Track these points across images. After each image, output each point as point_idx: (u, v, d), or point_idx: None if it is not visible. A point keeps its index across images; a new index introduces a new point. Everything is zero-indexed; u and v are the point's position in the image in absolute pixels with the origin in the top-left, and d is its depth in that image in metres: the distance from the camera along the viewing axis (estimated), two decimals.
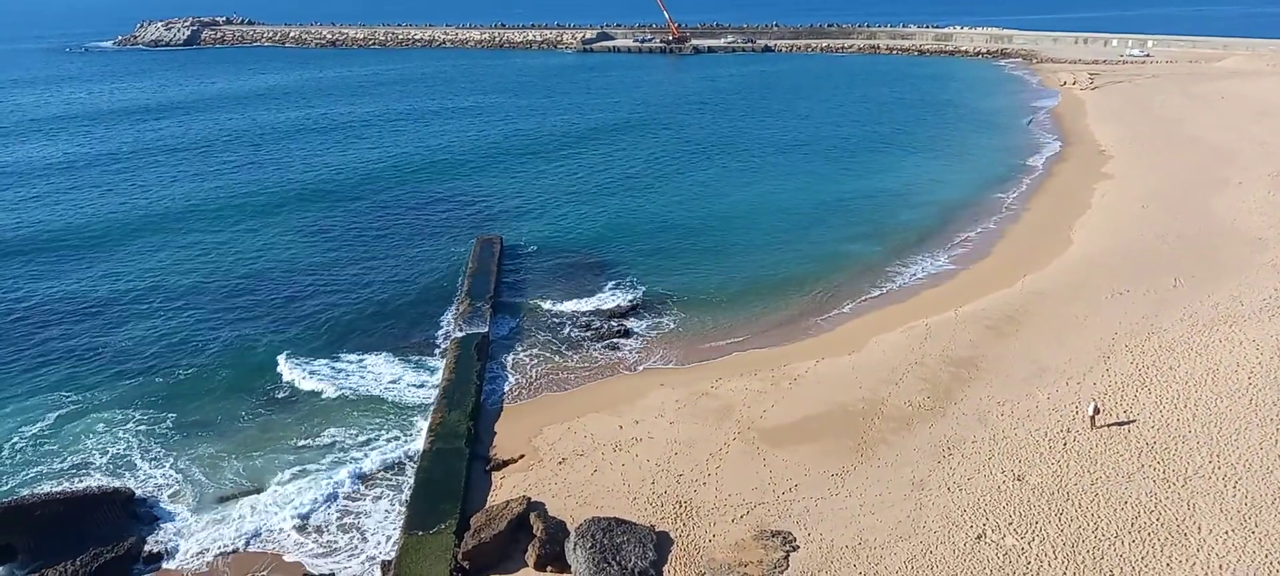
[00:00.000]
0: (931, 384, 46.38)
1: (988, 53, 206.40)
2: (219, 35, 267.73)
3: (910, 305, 58.76)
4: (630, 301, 60.04)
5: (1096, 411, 41.30)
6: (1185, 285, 57.76)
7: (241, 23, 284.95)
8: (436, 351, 53.11)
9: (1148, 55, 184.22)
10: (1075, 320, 53.38)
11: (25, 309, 59.93)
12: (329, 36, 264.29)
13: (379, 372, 50.57)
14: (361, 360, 52.07)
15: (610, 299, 60.66)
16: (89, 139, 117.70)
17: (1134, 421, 41.39)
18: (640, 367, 51.01)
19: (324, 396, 47.86)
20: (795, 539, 34.37)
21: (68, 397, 47.76)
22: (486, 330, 53.96)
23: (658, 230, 76.22)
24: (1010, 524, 34.52)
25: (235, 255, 70.12)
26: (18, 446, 43.28)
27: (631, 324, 56.50)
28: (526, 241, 73.45)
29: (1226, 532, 33.26)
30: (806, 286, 62.66)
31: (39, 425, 45.01)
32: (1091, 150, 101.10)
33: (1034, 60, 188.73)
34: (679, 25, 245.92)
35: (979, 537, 33.88)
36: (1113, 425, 41.15)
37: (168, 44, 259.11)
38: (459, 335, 52.94)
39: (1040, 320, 53.76)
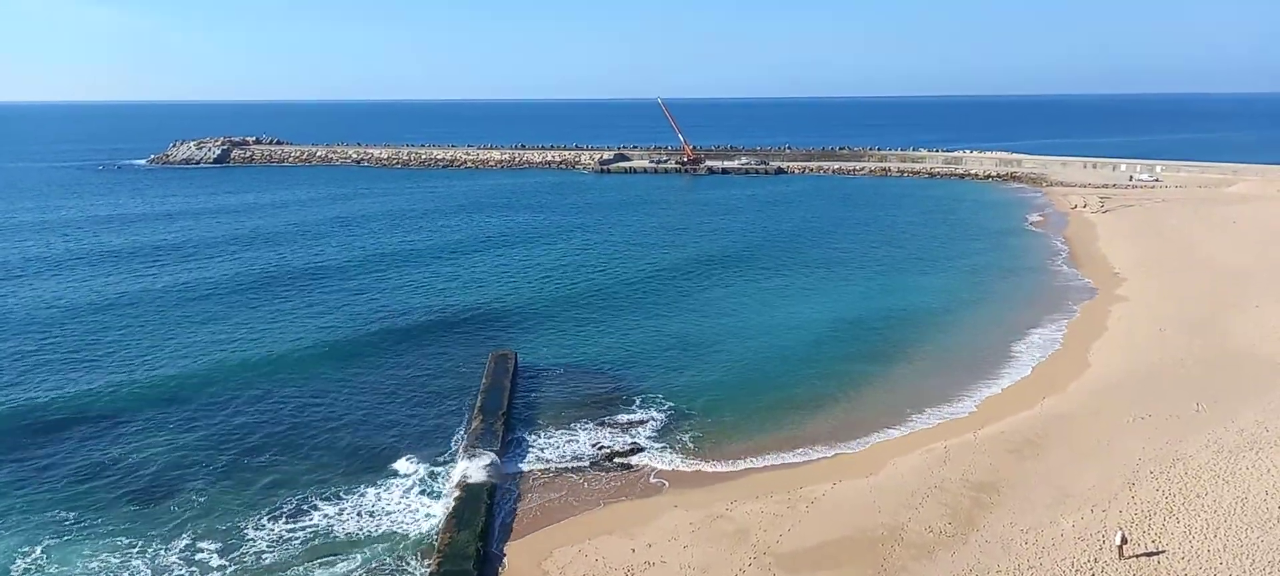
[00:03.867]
0: (952, 509, 45.24)
1: (997, 176, 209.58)
2: (248, 154, 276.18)
3: (927, 426, 57.98)
4: (644, 419, 59.55)
5: (1124, 541, 40.00)
6: (1208, 410, 56.79)
7: (271, 142, 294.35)
8: (447, 469, 52.45)
9: (1157, 180, 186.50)
10: (1097, 444, 52.36)
11: (35, 423, 59.90)
12: (354, 156, 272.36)
13: (388, 490, 49.85)
14: (371, 477, 51.45)
15: (624, 416, 60.18)
16: (114, 261, 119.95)
17: (1164, 552, 40.01)
18: (653, 487, 50.09)
19: (332, 514, 47.12)
20: None
21: (67, 517, 47.01)
22: (498, 448, 53.39)
23: (672, 347, 76.20)
24: None
25: (246, 372, 70.11)
26: (15, 567, 42.41)
27: (645, 442, 55.84)
28: (541, 357, 73.50)
29: None
30: (822, 405, 62.04)
31: (38, 545, 44.06)
32: (1105, 273, 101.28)
33: (1043, 183, 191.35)
34: (693, 147, 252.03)
35: None
36: (1141, 556, 39.77)
37: (199, 162, 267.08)
38: (470, 452, 52.38)
39: (1062, 444, 52.77)
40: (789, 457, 53.74)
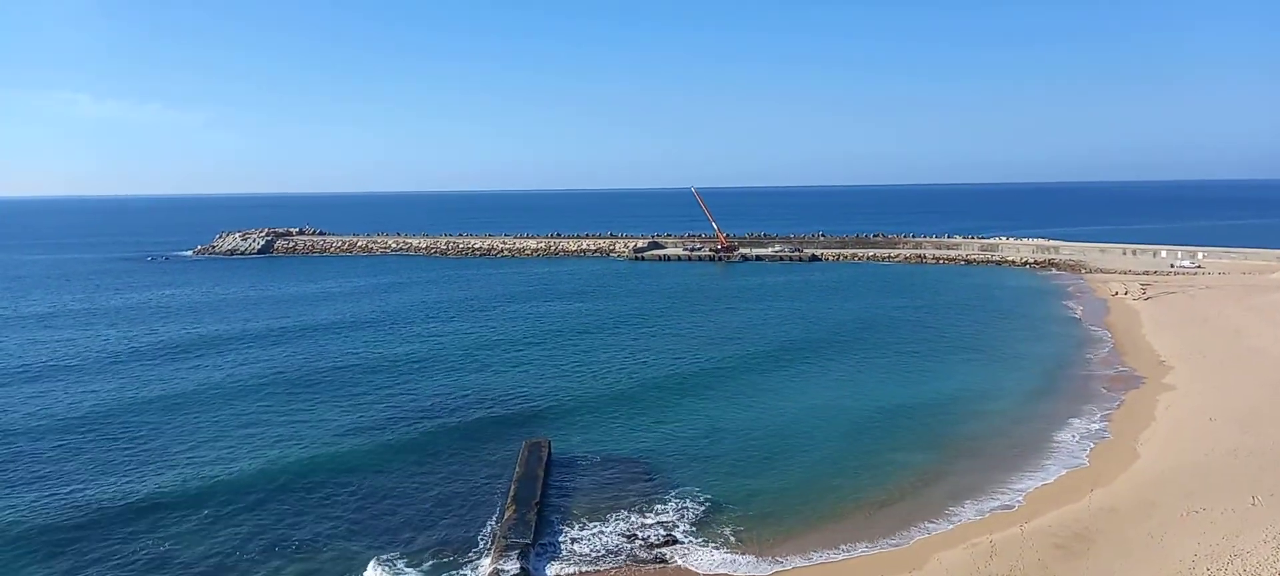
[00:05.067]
0: None
1: (1034, 263, 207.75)
2: (291, 245, 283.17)
3: (972, 519, 56.42)
4: (680, 511, 58.68)
5: None
6: (1264, 504, 54.63)
7: (313, 233, 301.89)
8: (478, 559, 51.94)
9: (1198, 266, 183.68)
10: (1150, 539, 50.50)
11: (69, 509, 60.57)
12: (394, 245, 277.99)
13: None
14: (398, 568, 51.08)
15: (660, 508, 59.34)
16: (167, 353, 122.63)
17: None
18: None
19: None
20: None
21: None
22: (530, 538, 52.86)
23: (709, 437, 75.49)
24: None
25: (282, 465, 69.83)
26: None
27: (681, 536, 54.89)
28: (575, 445, 73.14)
29: None
30: (862, 497, 60.78)
31: None
32: (1150, 361, 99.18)
33: (1082, 270, 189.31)
34: (727, 235, 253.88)
35: None
36: None
37: (243, 253, 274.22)
38: (503, 543, 51.90)
39: (1113, 539, 51.00)
40: (830, 553, 52.46)
